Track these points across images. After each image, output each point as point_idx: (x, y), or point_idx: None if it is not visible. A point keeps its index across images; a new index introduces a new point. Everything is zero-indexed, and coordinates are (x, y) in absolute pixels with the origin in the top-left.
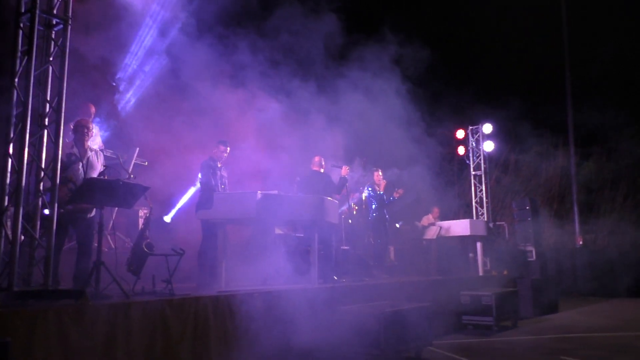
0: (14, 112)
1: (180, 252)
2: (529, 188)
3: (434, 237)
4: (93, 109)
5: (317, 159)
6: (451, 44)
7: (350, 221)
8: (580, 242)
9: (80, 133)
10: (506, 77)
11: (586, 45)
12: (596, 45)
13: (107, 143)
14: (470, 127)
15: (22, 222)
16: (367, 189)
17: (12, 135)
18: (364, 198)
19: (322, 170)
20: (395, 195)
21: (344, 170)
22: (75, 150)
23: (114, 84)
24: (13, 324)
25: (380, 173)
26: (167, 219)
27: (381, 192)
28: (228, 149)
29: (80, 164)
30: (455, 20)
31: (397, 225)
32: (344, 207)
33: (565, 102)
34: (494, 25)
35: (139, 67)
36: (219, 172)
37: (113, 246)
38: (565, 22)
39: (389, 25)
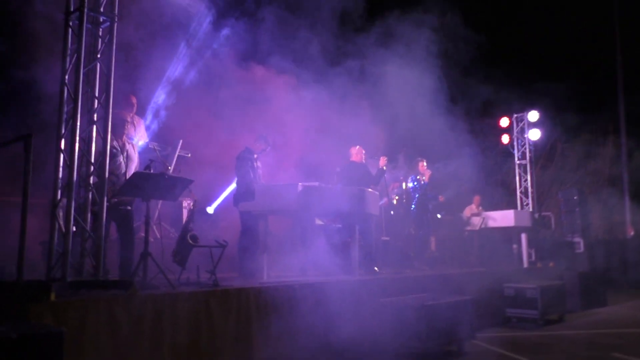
0: (65, 109)
1: (223, 244)
2: (576, 177)
3: (477, 228)
4: (134, 101)
5: (354, 149)
6: (496, 29)
7: (392, 212)
8: (632, 233)
9: (119, 126)
10: (553, 61)
11: (639, 28)
12: None
13: (151, 135)
14: (515, 115)
15: (73, 215)
16: (411, 179)
17: (63, 131)
18: (404, 188)
19: (361, 161)
20: (440, 199)
21: (382, 161)
22: (115, 143)
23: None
24: (66, 313)
25: (425, 163)
26: (210, 210)
27: (425, 182)
28: (269, 145)
29: (121, 157)
30: (501, 4)
31: (439, 216)
32: (383, 200)
33: (617, 87)
34: (541, 9)
35: (179, 60)
36: (255, 164)
37: (159, 236)
38: (616, 4)
39: (432, 11)
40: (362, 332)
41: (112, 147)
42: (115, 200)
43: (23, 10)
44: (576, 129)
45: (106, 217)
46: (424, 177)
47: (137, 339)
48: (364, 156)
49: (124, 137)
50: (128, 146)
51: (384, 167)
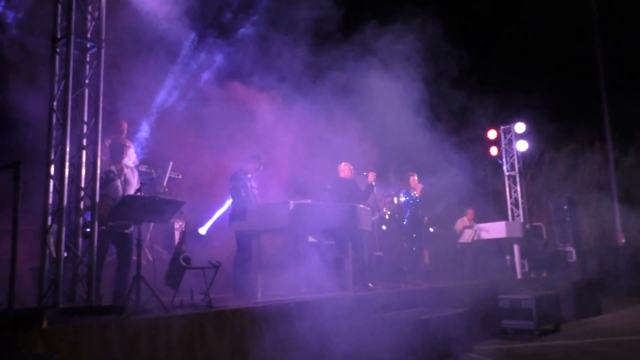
0: (54, 135)
1: (216, 265)
2: (565, 186)
3: (470, 240)
4: (125, 125)
5: (342, 165)
6: (480, 43)
7: (384, 227)
8: (623, 240)
9: (118, 151)
10: (537, 73)
11: (619, 36)
12: (629, 35)
13: (140, 158)
14: (502, 127)
15: (64, 241)
16: (403, 194)
17: (52, 157)
18: (395, 202)
19: (350, 177)
20: (425, 220)
21: (371, 176)
22: (112, 167)
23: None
24: (59, 340)
25: (416, 177)
26: (202, 231)
27: (417, 196)
28: (261, 164)
29: (119, 181)
30: (485, 18)
31: (431, 230)
32: (375, 215)
33: (600, 94)
34: (522, 22)
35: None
36: (249, 183)
37: (151, 259)
38: (596, 14)
39: (416, 25)
40: (357, 348)
41: (109, 171)
42: (111, 224)
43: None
44: (563, 138)
45: (104, 241)
46: (415, 192)
47: None
48: (352, 172)
49: (123, 161)
50: (126, 170)
51: (373, 183)
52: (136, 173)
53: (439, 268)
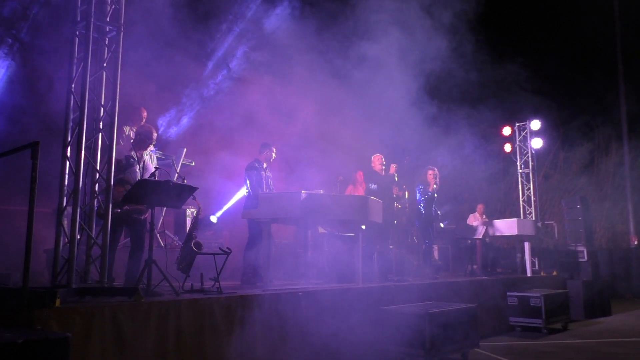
0: (71, 117)
1: (227, 251)
2: (579, 185)
3: (480, 236)
4: (145, 114)
5: (374, 158)
6: (497, 37)
7: (395, 221)
8: (635, 242)
9: (143, 141)
10: (555, 70)
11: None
12: None
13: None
14: (518, 124)
15: (79, 222)
16: (417, 189)
17: (69, 138)
18: (407, 196)
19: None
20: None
21: (392, 168)
22: (133, 153)
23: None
24: (72, 320)
25: (435, 172)
26: (214, 218)
27: (432, 192)
28: (274, 150)
29: (137, 167)
30: (507, 13)
31: (442, 225)
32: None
33: (619, 95)
34: (542, 17)
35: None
36: (264, 174)
37: (162, 244)
38: (617, 12)
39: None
40: (365, 339)
41: (129, 156)
42: (128, 208)
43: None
44: (578, 138)
45: (119, 225)
46: (431, 187)
47: (141, 345)
48: (382, 164)
49: (146, 150)
50: (146, 157)
51: (395, 175)
52: (154, 159)
53: (449, 263)
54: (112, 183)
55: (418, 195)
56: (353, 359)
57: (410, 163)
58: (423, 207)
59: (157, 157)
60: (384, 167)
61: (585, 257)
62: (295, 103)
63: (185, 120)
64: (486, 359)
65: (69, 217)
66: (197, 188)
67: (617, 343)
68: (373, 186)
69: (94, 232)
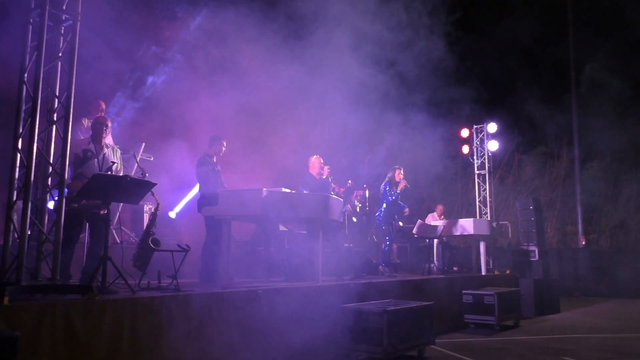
0: (23, 108)
1: (186, 249)
2: (532, 188)
3: (438, 235)
4: (103, 106)
5: (313, 159)
6: (455, 41)
7: (354, 219)
8: (583, 242)
9: (99, 130)
10: (511, 75)
11: (591, 45)
12: (601, 45)
13: (114, 138)
14: (475, 126)
15: (30, 217)
16: (384, 185)
17: (21, 130)
18: (367, 195)
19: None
20: (406, 212)
21: (326, 171)
22: (91, 146)
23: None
24: (21, 318)
25: (402, 172)
26: (172, 214)
27: (397, 192)
28: (225, 144)
29: (96, 160)
30: (461, 17)
31: (400, 224)
32: (346, 207)
33: (570, 101)
34: (499, 23)
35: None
36: (215, 168)
37: (119, 241)
38: (570, 20)
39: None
40: (324, 337)
41: (88, 149)
42: (85, 202)
43: None
44: (533, 142)
45: (79, 220)
46: (396, 187)
47: (95, 345)
48: (321, 167)
49: (103, 140)
50: (107, 150)
51: (330, 178)
52: (118, 152)
53: (407, 262)
54: (68, 177)
55: (386, 195)
56: (313, 356)
57: (369, 162)
58: (386, 206)
59: (131, 153)
60: (322, 170)
61: (537, 257)
62: (250, 98)
63: (132, 113)
64: (441, 355)
65: (19, 211)
66: (156, 184)
67: (566, 339)
68: (305, 192)
69: (45, 228)
